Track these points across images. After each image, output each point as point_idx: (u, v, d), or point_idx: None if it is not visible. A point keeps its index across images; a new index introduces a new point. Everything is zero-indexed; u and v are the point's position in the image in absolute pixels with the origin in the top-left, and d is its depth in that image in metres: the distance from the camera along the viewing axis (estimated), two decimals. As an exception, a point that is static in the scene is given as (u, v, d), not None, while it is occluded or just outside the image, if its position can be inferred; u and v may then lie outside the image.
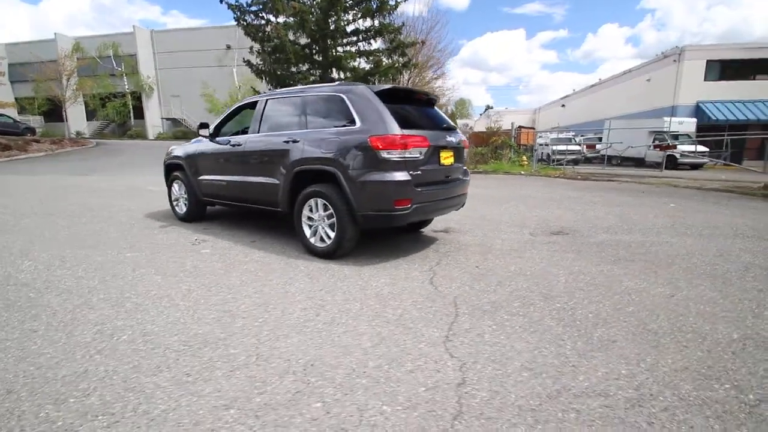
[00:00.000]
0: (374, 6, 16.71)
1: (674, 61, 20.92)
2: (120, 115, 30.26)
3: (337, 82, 3.79)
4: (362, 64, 18.47)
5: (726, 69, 20.31)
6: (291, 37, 16.56)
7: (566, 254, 3.87)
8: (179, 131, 30.02)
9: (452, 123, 4.13)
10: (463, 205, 4.13)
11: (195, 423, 1.50)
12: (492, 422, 1.53)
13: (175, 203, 5.31)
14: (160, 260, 3.54)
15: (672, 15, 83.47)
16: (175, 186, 5.22)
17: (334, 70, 18.11)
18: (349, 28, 17.35)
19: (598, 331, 2.28)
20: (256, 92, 18.10)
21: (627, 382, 1.79)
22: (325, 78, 17.40)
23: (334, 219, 3.43)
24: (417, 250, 3.94)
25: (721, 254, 3.89)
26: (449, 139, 3.69)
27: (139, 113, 30.86)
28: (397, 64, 17.06)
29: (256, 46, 17.35)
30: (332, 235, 3.49)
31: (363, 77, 17.04)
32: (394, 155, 3.17)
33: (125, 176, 11.62)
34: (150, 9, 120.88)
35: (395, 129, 3.18)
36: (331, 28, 16.78)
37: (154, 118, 31.30)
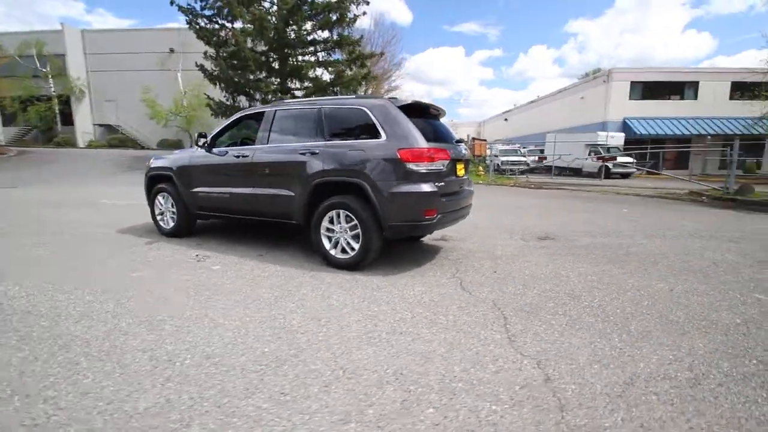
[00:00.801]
0: (333, 18, 16.83)
1: (604, 81, 23.48)
2: (45, 120, 27.17)
3: (354, 96, 3.83)
4: (322, 74, 18.46)
5: (646, 89, 23.19)
6: (249, 44, 16.14)
7: (564, 257, 4.22)
8: (115, 139, 27.65)
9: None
10: (468, 215, 4.34)
11: (322, 440, 1.48)
12: (594, 410, 1.68)
13: (159, 218, 4.96)
14: (172, 279, 3.31)
15: (591, 39, 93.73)
16: (160, 199, 4.88)
17: (292, 79, 17.94)
18: (309, 38, 17.31)
19: (633, 324, 2.55)
20: (210, 99, 17.31)
21: (680, 365, 2.05)
22: (285, 87, 17.15)
23: (359, 230, 3.45)
24: (429, 259, 4.06)
25: (688, 252, 4.47)
26: (463, 151, 3.89)
27: (68, 119, 27.93)
28: (358, 76, 17.26)
29: (211, 51, 16.65)
30: (356, 246, 3.51)
31: (324, 88, 17.04)
32: (422, 167, 3.28)
33: (68, 188, 10.53)
34: (72, 6, 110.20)
35: (422, 142, 3.31)
36: (291, 37, 16.63)
37: (84, 125, 28.49)
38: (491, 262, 3.96)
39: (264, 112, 4.19)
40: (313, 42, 17.44)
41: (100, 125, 29.10)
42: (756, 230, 6.03)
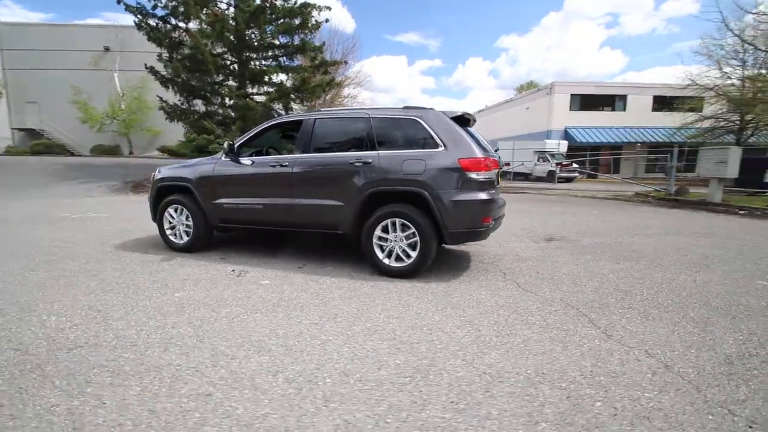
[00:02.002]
0: (296, 23, 16.57)
1: (547, 93, 25.62)
2: (-54, 124, 23.46)
3: (403, 106, 3.87)
4: (287, 80, 18.00)
5: (584, 101, 25.67)
6: (207, 46, 15.32)
7: (583, 256, 4.59)
8: (39, 144, 24.54)
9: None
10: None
11: (530, 441, 1.53)
12: (722, 387, 1.91)
13: (169, 232, 4.58)
14: (226, 297, 3.11)
15: (521, 54, 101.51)
16: (171, 212, 4.52)
17: (253, 84, 17.33)
18: (270, 43, 16.85)
19: (690, 312, 2.89)
20: (164, 102, 16.12)
21: (755, 344, 2.38)
22: (244, 92, 16.48)
23: (416, 238, 3.51)
24: (465, 264, 4.20)
25: (678, 248, 5.09)
26: (500, 160, 4.11)
27: (-23, 122, 24.37)
28: (323, 83, 17.10)
29: (163, 53, 15.54)
30: (412, 254, 3.55)
31: (288, 94, 16.65)
32: (481, 176, 3.43)
33: (5, 202, 9.24)
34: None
35: (479, 152, 3.46)
36: (253, 40, 16.09)
37: (1, 129, 25.03)
38: (524, 264, 4.21)
39: (302, 120, 4.08)
40: (275, 46, 17.01)
41: (20, 129, 25.75)
42: (713, 226, 6.98)
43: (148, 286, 3.34)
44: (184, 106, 16.48)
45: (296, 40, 17.02)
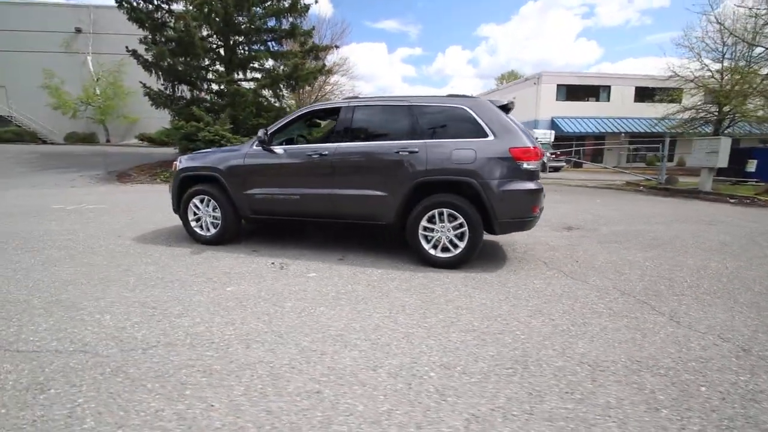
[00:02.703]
0: (285, 5, 16.02)
1: (534, 83, 25.91)
2: None
3: (447, 94, 3.80)
4: (280, 66, 17.43)
5: (569, 92, 26.13)
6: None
7: (611, 245, 4.70)
8: (8, 132, 23.06)
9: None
10: None
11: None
12: (811, 371, 2.00)
13: (194, 224, 4.40)
14: (279, 290, 3.02)
15: (500, 43, 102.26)
16: (197, 203, 4.33)
17: (243, 69, 16.74)
18: (260, 26, 16.26)
19: (739, 298, 3.00)
20: (147, 88, 15.36)
21: (814, 328, 2.50)
22: (232, 78, 15.88)
23: (465, 228, 3.49)
24: (502, 254, 4.23)
25: (694, 236, 5.28)
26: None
27: (-65, 107, 22.66)
28: (316, 69, 16.69)
29: (145, 35, 14.77)
30: (460, 244, 3.53)
31: (280, 80, 16.15)
32: (531, 165, 3.43)
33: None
34: None
35: (528, 141, 3.45)
36: (242, 24, 15.49)
37: (-39, 114, 23.37)
38: (558, 253, 4.27)
39: (340, 107, 3.95)
40: (263, 30, 16.41)
41: (-16, 115, 24.10)
42: (713, 213, 7.28)
43: (193, 281, 3.20)
44: (168, 92, 15.79)
45: (285, 24, 16.52)
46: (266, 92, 16.94)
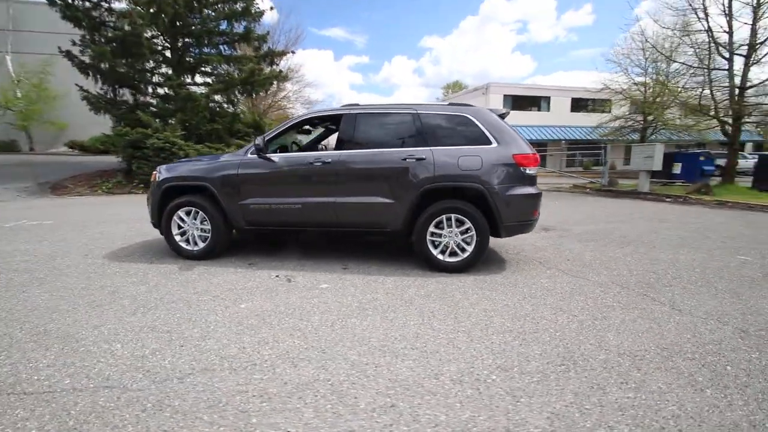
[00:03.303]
0: (238, 9, 15.49)
1: (483, 93, 27.30)
2: None
3: (447, 102, 3.89)
4: (234, 71, 16.70)
5: (515, 101, 27.80)
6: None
7: (588, 243, 5.07)
8: None
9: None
10: None
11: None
12: (803, 345, 2.31)
13: (179, 238, 4.07)
14: (302, 305, 2.89)
15: (443, 54, 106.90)
16: (182, 216, 4.01)
17: (194, 73, 15.88)
18: (212, 29, 15.53)
19: (718, 285, 3.37)
20: (85, 91, 13.98)
21: (786, 308, 2.88)
22: (182, 81, 14.99)
23: (473, 233, 3.58)
24: (495, 256, 4.39)
25: (653, 232, 5.85)
26: None
27: None
28: (272, 75, 16.25)
29: (84, 34, 13.49)
30: (468, 248, 3.62)
31: (234, 85, 15.50)
32: (532, 171, 3.61)
33: None
34: None
35: (528, 147, 3.63)
36: (193, 25, 14.71)
37: None
38: (547, 253, 4.52)
39: (342, 114, 3.88)
40: (215, 32, 15.69)
41: None
42: (658, 211, 8.13)
43: (198, 300, 2.96)
44: (109, 96, 14.51)
45: (238, 28, 15.95)
46: (219, 97, 16.19)
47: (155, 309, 2.78)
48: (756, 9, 11.32)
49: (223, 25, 15.88)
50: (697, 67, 13.30)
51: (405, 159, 3.62)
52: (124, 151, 13.24)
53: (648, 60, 20.26)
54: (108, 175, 13.69)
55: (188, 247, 4.06)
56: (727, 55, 11.98)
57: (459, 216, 3.59)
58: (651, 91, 20.31)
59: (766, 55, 11.65)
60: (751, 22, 11.48)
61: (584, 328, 2.51)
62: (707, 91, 13.42)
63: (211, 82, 16.06)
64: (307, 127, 4.36)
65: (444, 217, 3.60)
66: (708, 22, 12.02)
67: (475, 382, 1.90)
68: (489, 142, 3.59)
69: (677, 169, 14.28)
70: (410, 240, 3.76)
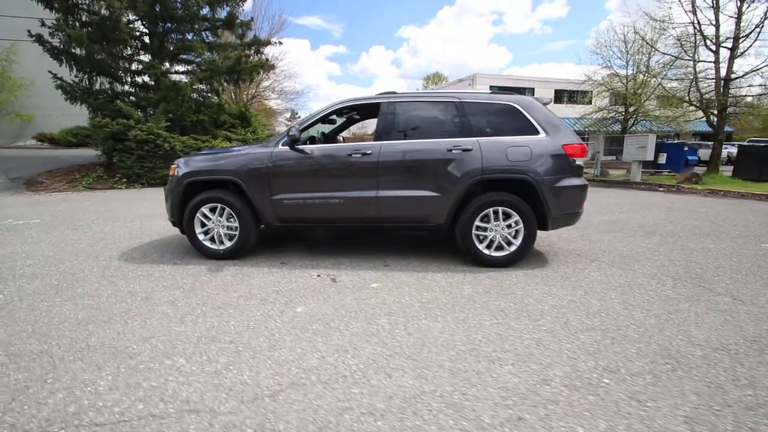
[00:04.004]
0: (221, -7, 14.77)
1: (469, 84, 27.30)
2: None
3: (490, 91, 3.74)
4: (208, 57, 15.96)
5: (500, 92, 27.88)
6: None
7: (613, 234, 5.07)
8: None
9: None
10: None
11: None
12: None
13: (203, 237, 3.78)
14: (361, 306, 2.71)
15: (421, 45, 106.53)
16: (205, 212, 3.72)
17: (176, 60, 15.10)
18: (196, 14, 14.75)
19: (762, 274, 3.40)
20: (59, 79, 13.03)
21: (840, 296, 2.92)
22: (165, 69, 14.22)
23: (520, 226, 3.48)
24: (533, 250, 4.32)
25: (670, 222, 5.93)
26: None
27: None
28: (260, 63, 15.64)
29: (58, 18, 12.52)
30: (515, 242, 3.52)
31: (220, 73, 14.83)
32: (580, 162, 3.52)
33: None
34: None
35: (576, 137, 3.54)
36: (174, 9, 13.92)
37: None
38: (580, 245, 4.48)
39: (381, 103, 3.67)
40: (198, 18, 14.91)
41: None
42: (660, 201, 8.30)
43: (246, 304, 2.73)
44: (85, 85, 13.60)
45: (221, 13, 15.23)
46: (203, 87, 15.49)
47: (204, 316, 2.54)
48: (740, 2, 11.65)
49: (205, 10, 15.15)
50: (682, 59, 13.64)
51: (451, 150, 3.46)
52: (104, 143, 12.48)
53: (629, 53, 20.72)
54: (87, 170, 12.91)
55: (214, 246, 3.78)
56: (713, 48, 12.31)
57: (506, 209, 3.47)
58: (632, 82, 20.81)
59: (750, 47, 12.05)
60: (735, 15, 11.82)
61: (663, 322, 2.45)
62: (687, 83, 13.86)
63: (193, 70, 15.33)
64: (334, 116, 4.12)
65: (491, 210, 3.47)
66: (696, 15, 12.30)
67: (589, 387, 1.79)
68: (537, 132, 3.48)
69: (663, 159, 14.69)
70: (453, 234, 3.61)
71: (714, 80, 12.64)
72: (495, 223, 3.50)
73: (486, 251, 3.54)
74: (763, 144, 17.92)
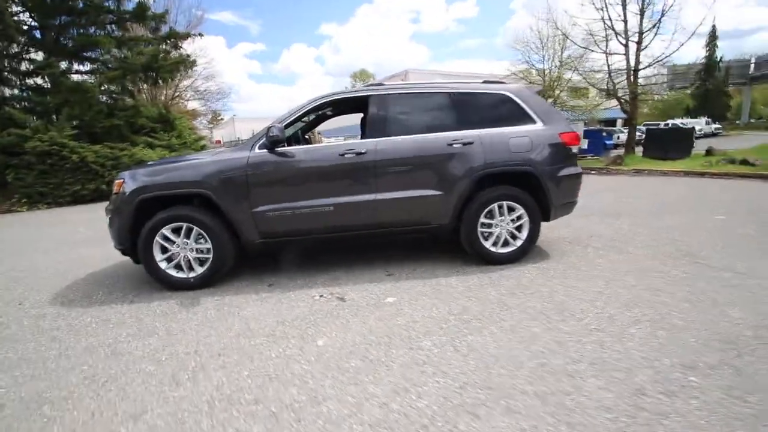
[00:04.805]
0: (127, -18, 13.06)
1: (402, 79, 27.54)
2: None
3: (481, 80, 3.53)
4: (116, 54, 14.02)
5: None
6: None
7: (585, 218, 5.24)
8: None
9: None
10: None
11: None
12: None
13: (165, 264, 3.11)
14: (388, 330, 2.36)
15: (343, 43, 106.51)
16: (167, 234, 3.05)
17: (76, 59, 13.03)
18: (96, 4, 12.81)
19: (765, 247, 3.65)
20: None
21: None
22: (63, 69, 12.21)
23: (525, 219, 3.36)
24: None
25: (622, 202, 6.34)
26: None
27: None
28: (181, 60, 14.12)
29: None
30: (520, 236, 3.40)
31: (135, 72, 13.08)
32: (575, 150, 3.49)
33: None
34: None
35: (569, 125, 3.50)
36: (77, 1, 11.98)
37: None
38: (561, 232, 4.52)
39: (369, 96, 3.28)
40: (103, 10, 12.99)
41: None
42: (598, 184, 8.94)
43: (252, 346, 2.23)
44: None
45: (129, 5, 13.47)
46: (114, 88, 13.58)
47: (203, 370, 2.00)
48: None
49: (110, 2, 13.25)
50: (596, 51, 15.01)
51: (451, 144, 3.21)
52: (-11, 160, 10.34)
53: (545, 48, 22.43)
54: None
55: (181, 275, 3.14)
56: (624, 41, 13.68)
57: (510, 203, 3.32)
58: (549, 76, 22.59)
59: (651, 41, 13.59)
60: (639, 12, 13.26)
61: (696, 305, 2.45)
62: (601, 75, 15.39)
63: (100, 68, 13.34)
64: (312, 114, 3.66)
65: (495, 205, 3.31)
66: (608, 12, 13.57)
67: (683, 389, 1.66)
68: (533, 122, 3.37)
69: (585, 144, 16.08)
70: (456, 234, 3.39)
71: (625, 71, 14.05)
72: (500, 218, 3.34)
73: (492, 249, 3.37)
74: (663, 128, 20.53)
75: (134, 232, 3.07)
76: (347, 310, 2.64)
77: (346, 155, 3.14)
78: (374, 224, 3.27)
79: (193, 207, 3.11)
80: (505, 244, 3.41)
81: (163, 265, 3.11)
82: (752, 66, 41.86)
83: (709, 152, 12.41)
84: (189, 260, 3.13)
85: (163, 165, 3.26)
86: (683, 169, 10.15)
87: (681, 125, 26.10)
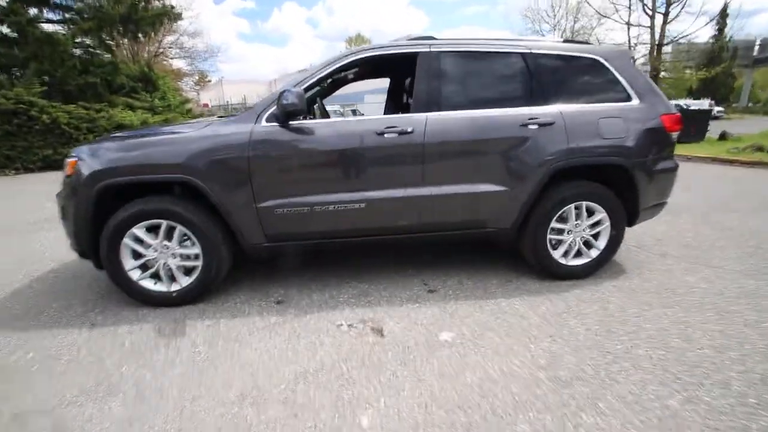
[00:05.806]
0: None
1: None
2: None
3: (563, 39, 2.69)
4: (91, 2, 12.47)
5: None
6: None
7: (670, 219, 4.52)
8: None
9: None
10: None
11: None
12: None
13: (139, 274, 2.33)
14: (462, 401, 1.66)
15: (337, 4, 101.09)
16: (138, 235, 2.26)
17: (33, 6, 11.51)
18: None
19: None
20: None
21: None
22: (35, 16, 10.75)
23: (606, 225, 2.63)
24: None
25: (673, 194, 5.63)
26: None
27: None
28: (163, 10, 12.67)
29: None
30: (598, 245, 2.67)
31: (112, 23, 11.65)
32: (675, 137, 2.71)
33: None
34: None
35: (671, 105, 2.70)
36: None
37: None
38: (646, 237, 3.84)
39: (417, 53, 2.42)
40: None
41: None
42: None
43: (256, 422, 1.51)
44: None
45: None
46: (88, 40, 12.16)
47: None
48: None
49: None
50: (617, 21, 13.94)
51: (526, 125, 2.41)
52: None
53: (556, 16, 21.17)
54: None
55: (160, 288, 2.36)
56: (650, 13, 12.62)
57: (590, 203, 2.57)
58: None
59: (679, 14, 12.57)
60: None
61: None
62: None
63: (73, 18, 11.85)
64: (342, 74, 2.80)
65: (572, 206, 2.55)
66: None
67: None
68: (629, 98, 2.57)
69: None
70: (519, 241, 2.66)
71: (648, 44, 13.09)
72: (575, 222, 2.60)
73: (562, 260, 2.65)
74: (684, 108, 19.74)
75: (95, 230, 2.26)
76: (391, 354, 1.92)
77: (385, 134, 2.32)
78: (417, 227, 2.50)
79: (173, 198, 2.29)
80: (577, 254, 2.69)
81: (135, 274, 2.33)
82: (756, 48, 40.69)
83: (723, 137, 11.75)
84: (171, 268, 2.35)
85: (129, 139, 2.38)
86: (709, 155, 9.49)
87: (684, 106, 25.36)
